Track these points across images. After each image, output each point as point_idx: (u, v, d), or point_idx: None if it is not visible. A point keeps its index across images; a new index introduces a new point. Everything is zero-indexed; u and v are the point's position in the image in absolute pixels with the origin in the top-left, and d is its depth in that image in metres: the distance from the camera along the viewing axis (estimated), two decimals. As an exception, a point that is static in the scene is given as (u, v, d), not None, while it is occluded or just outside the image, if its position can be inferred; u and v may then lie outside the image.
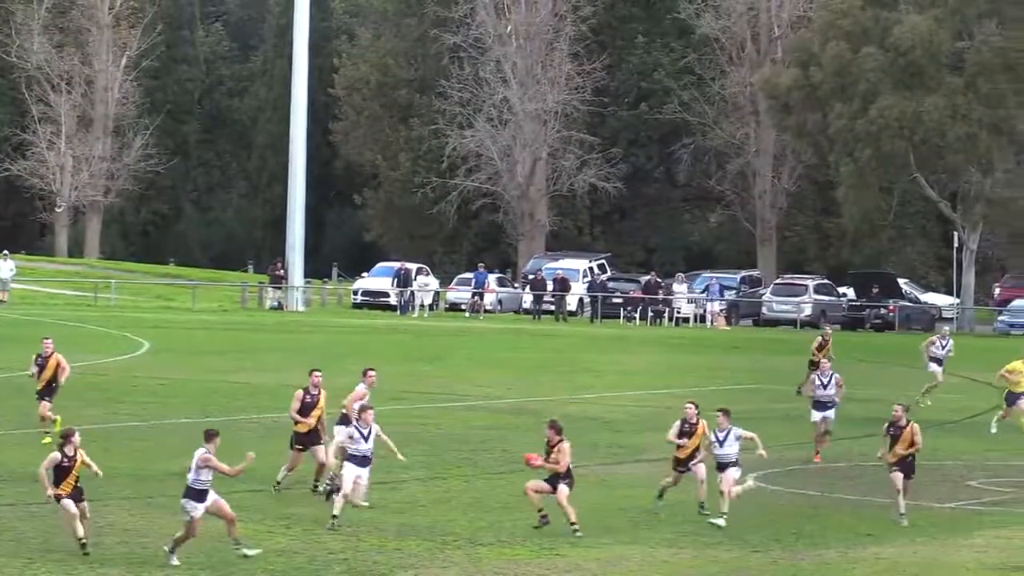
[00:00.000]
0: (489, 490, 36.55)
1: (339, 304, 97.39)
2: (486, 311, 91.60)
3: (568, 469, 30.82)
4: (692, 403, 33.89)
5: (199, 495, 28.30)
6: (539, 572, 29.30)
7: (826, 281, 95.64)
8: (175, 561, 27.86)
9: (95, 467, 29.28)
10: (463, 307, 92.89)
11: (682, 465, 34.57)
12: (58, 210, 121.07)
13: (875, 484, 35.98)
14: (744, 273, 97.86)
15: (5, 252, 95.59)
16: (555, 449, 30.43)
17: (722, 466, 33.40)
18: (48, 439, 36.10)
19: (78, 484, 29.34)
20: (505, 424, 49.36)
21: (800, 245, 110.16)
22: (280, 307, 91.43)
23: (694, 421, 33.82)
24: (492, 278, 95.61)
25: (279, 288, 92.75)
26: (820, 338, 56.06)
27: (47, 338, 41.70)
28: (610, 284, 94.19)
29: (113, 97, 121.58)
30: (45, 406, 40.18)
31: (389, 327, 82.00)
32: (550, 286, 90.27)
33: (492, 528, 32.29)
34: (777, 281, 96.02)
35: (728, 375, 65.05)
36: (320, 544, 31.17)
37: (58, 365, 40.34)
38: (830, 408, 41.60)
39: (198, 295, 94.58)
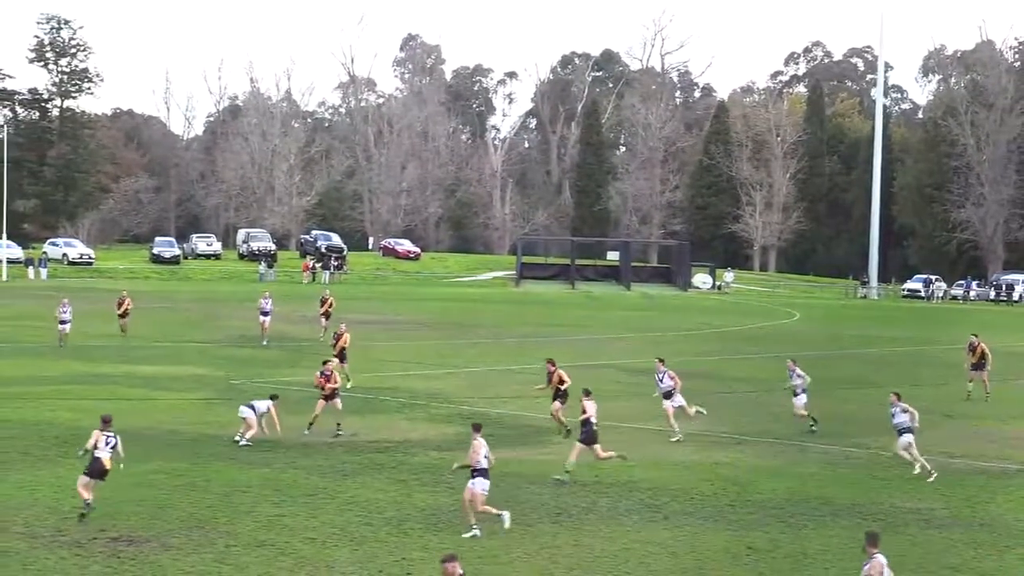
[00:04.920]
0: None
1: None
2: None
3: None
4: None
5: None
6: None
7: None
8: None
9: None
10: None
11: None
12: (755, 247, 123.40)
13: None
14: None
15: (730, 267, 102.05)
16: None
17: None
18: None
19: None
20: None
21: None
22: None
23: None
24: None
25: None
26: None
27: (342, 323, 35.52)
28: None
29: (782, 193, 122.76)
30: (340, 365, 30.85)
31: None
32: None
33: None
34: None
35: None
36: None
37: (343, 337, 33.59)
38: None
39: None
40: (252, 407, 24.82)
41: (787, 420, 29.11)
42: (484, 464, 18.26)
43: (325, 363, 27.09)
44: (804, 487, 22.28)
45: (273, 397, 25.62)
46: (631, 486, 21.91)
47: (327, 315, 46.54)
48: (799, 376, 28.13)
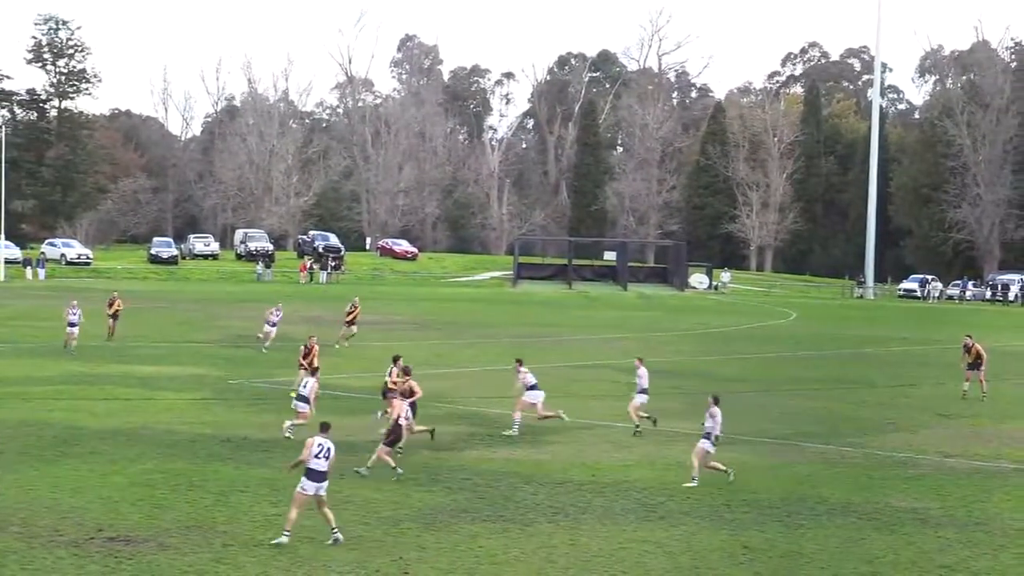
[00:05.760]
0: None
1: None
2: None
3: None
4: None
5: None
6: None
7: None
8: None
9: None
10: None
11: None
12: (752, 247, 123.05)
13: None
14: None
15: (726, 267, 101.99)
16: None
17: None
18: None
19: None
20: None
21: None
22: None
23: None
24: None
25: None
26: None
27: (312, 336, 32.34)
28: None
29: (778, 193, 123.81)
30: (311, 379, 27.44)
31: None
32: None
33: None
34: None
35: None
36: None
37: (314, 351, 30.66)
38: None
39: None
40: (304, 398, 25.01)
41: (783, 420, 29.14)
42: (314, 465, 17.29)
43: (396, 360, 27.21)
44: (800, 486, 22.27)
45: (313, 372, 25.77)
46: (627, 486, 21.94)
47: (352, 322, 45.22)
48: (641, 376, 27.20)
